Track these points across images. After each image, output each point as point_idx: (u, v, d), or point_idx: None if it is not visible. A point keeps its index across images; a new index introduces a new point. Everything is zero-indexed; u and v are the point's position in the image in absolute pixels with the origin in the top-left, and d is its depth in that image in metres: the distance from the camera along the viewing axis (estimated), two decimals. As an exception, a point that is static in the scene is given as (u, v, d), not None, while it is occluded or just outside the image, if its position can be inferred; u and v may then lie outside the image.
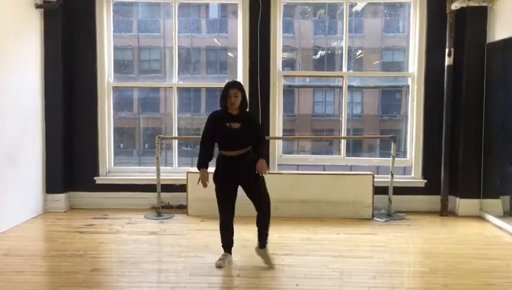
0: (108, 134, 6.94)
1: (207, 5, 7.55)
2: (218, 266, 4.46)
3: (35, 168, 6.45)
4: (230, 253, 4.63)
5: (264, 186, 4.50)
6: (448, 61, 6.49)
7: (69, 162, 6.77)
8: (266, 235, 4.54)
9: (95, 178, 6.86)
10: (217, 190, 4.52)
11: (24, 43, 6.15)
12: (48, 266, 4.67)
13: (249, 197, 4.53)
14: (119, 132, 7.37)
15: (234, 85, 4.49)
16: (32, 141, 6.37)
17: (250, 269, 4.48)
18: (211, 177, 4.51)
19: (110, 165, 7.02)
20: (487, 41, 6.38)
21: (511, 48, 6.01)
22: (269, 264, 4.49)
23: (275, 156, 6.86)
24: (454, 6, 6.34)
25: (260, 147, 4.53)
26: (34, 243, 5.40)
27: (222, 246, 4.64)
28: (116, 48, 7.08)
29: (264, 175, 4.44)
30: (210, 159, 4.61)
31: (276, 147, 6.89)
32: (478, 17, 6.39)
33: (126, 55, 7.60)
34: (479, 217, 6.40)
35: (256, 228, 4.56)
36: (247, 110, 4.60)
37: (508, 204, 6.21)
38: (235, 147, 4.45)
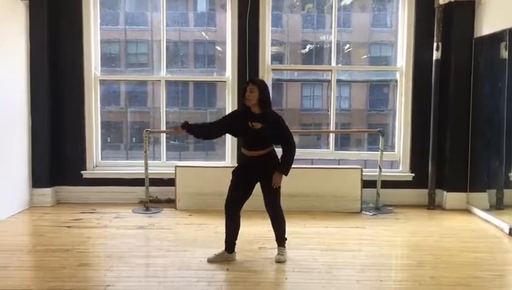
0: (95, 128, 6.86)
1: (195, -2, 7.51)
2: (209, 261, 4.43)
3: (21, 162, 6.37)
4: (230, 252, 4.51)
5: (279, 187, 4.43)
6: (436, 55, 6.52)
7: (56, 156, 6.69)
8: (283, 233, 4.56)
9: (82, 172, 6.80)
10: (231, 182, 4.47)
11: (9, 35, 6.06)
12: (34, 261, 4.63)
13: (262, 192, 4.47)
14: (106, 125, 7.30)
15: (252, 81, 4.44)
16: (18, 135, 6.29)
17: (239, 263, 4.46)
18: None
19: (98, 159, 6.96)
20: (475, 36, 6.42)
21: (497, 43, 6.05)
22: (276, 259, 4.47)
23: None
24: (443, 0, 6.36)
25: (286, 158, 4.37)
26: (20, 237, 5.34)
27: (225, 241, 4.52)
28: (103, 41, 6.99)
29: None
30: (201, 132, 4.57)
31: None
32: (466, 12, 6.42)
33: (113, 48, 7.53)
34: (466, 211, 6.45)
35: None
36: (272, 109, 4.43)
37: (495, 197, 6.27)
38: (255, 147, 4.37)
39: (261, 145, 4.38)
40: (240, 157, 4.54)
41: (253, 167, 4.40)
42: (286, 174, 4.40)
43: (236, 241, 4.53)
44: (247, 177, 4.43)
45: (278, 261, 4.46)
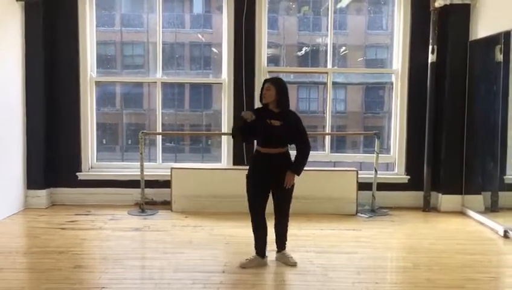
0: (91, 129, 6.85)
1: (191, 0, 7.49)
2: (241, 266, 4.39)
3: (16, 164, 6.34)
4: (263, 257, 4.47)
5: (292, 191, 4.42)
6: (431, 58, 6.55)
7: (51, 157, 6.67)
8: (285, 238, 4.57)
9: (77, 174, 6.78)
10: (248, 184, 4.42)
11: (5, 36, 6.04)
12: (29, 263, 4.60)
13: (272, 196, 4.45)
14: (101, 127, 7.29)
15: (269, 80, 4.53)
16: (13, 136, 6.26)
17: (235, 265, 4.44)
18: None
19: (93, 161, 6.94)
20: (470, 39, 6.45)
21: (492, 46, 6.08)
22: (291, 263, 4.47)
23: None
24: (438, 3, 6.39)
25: (300, 158, 4.37)
26: (14, 239, 5.31)
27: (255, 247, 4.49)
28: (98, 42, 6.98)
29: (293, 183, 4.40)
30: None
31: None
32: (461, 15, 6.45)
33: (109, 50, 7.51)
34: (461, 213, 6.47)
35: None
36: (290, 109, 4.45)
37: (490, 200, 6.29)
38: (272, 145, 4.35)
39: (278, 143, 4.37)
40: (253, 157, 4.48)
41: (268, 166, 4.35)
42: (299, 174, 4.39)
43: (267, 245, 4.52)
44: (264, 179, 4.38)
45: (294, 264, 4.45)
